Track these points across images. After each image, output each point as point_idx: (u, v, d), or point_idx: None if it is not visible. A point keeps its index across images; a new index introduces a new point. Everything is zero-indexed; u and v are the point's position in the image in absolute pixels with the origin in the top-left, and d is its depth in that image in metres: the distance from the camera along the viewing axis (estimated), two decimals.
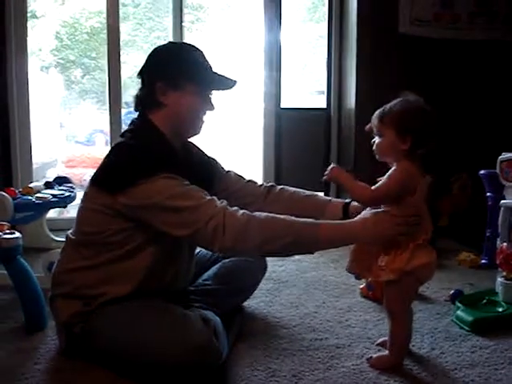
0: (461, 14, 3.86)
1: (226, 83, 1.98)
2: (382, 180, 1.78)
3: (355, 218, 1.81)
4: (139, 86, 1.94)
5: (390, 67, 3.76)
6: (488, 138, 3.71)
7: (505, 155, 2.67)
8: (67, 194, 2.79)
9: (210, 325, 1.76)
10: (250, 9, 8.05)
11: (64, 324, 1.87)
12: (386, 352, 1.93)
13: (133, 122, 1.93)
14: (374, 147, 1.86)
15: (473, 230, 3.22)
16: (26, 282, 2.18)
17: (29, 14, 3.78)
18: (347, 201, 2.09)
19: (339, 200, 2.14)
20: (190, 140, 2.08)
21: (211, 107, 1.96)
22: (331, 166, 1.87)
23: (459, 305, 2.32)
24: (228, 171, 2.22)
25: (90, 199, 1.86)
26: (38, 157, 3.99)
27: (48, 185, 2.93)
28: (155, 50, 1.96)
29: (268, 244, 1.72)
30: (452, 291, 2.53)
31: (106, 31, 3.82)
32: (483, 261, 3.04)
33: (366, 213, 1.82)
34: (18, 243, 2.16)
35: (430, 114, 1.82)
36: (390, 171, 1.80)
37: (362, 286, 2.59)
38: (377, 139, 1.86)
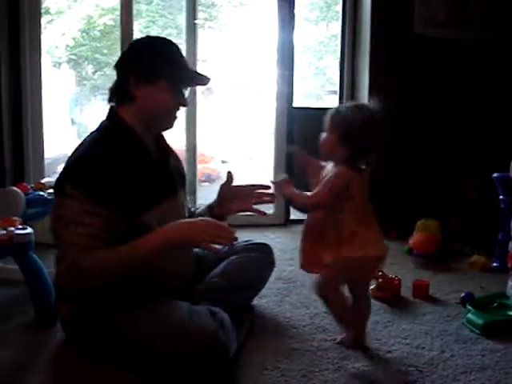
0: (475, 15, 3.84)
1: (198, 79, 1.98)
2: (319, 186, 1.84)
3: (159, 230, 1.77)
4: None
5: (404, 67, 3.75)
6: (501, 140, 3.69)
7: None
8: None
9: (217, 318, 1.76)
10: (263, 7, 8.05)
11: (68, 323, 1.88)
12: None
13: (102, 123, 1.92)
14: (320, 141, 1.89)
15: (484, 233, 3.21)
16: (38, 277, 2.20)
17: (42, 11, 3.79)
18: (210, 203, 2.22)
19: (206, 205, 2.25)
20: (166, 142, 2.07)
21: (184, 103, 1.95)
22: (280, 179, 1.96)
23: (470, 308, 2.32)
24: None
25: None
26: (49, 152, 3.99)
27: None
28: (132, 43, 1.97)
29: (107, 282, 1.73)
30: (463, 294, 2.52)
31: (118, 28, 3.83)
32: (494, 264, 3.02)
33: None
34: (30, 238, 2.17)
35: (376, 128, 1.84)
36: (326, 177, 1.85)
37: (372, 288, 2.58)
38: (324, 135, 1.88)
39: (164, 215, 1.83)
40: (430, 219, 3.26)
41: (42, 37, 3.70)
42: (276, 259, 2.44)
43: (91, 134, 1.89)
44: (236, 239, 1.76)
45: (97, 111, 8.04)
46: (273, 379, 1.79)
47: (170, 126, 1.97)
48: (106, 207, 1.71)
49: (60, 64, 8.39)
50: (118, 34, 3.86)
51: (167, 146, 2.07)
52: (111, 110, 1.91)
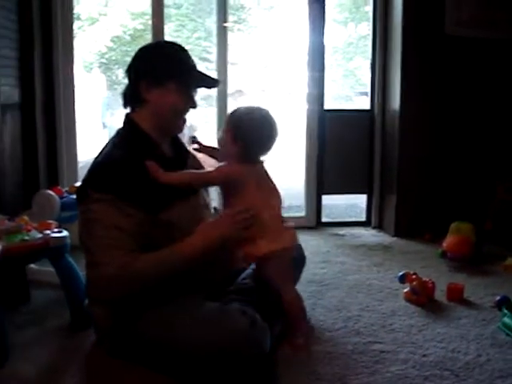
0: (508, 14, 3.78)
1: (207, 82, 2.00)
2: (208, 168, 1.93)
3: (195, 233, 1.80)
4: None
5: (435, 68, 3.71)
6: None
7: None
8: None
9: (248, 315, 1.75)
10: (293, 9, 8.04)
11: (103, 327, 1.89)
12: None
13: (118, 131, 1.95)
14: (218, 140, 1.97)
15: None
16: (73, 280, 2.22)
17: (74, 17, 3.84)
18: None
19: None
20: (184, 147, 2.09)
21: (194, 105, 1.97)
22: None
23: (506, 311, 2.28)
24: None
25: None
26: (82, 156, 4.03)
27: None
28: (141, 48, 1.99)
29: (146, 289, 1.76)
30: (498, 297, 2.48)
31: (148, 32, 3.86)
32: None
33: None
34: (65, 242, 2.20)
35: (262, 129, 1.90)
36: (217, 166, 1.92)
37: (405, 290, 2.56)
38: (221, 132, 1.95)
39: (185, 212, 1.87)
40: (464, 222, 3.23)
41: (75, 43, 3.74)
42: (307, 262, 2.44)
43: (109, 141, 1.93)
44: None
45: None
46: (308, 383, 1.79)
47: (179, 129, 2.00)
48: (133, 206, 1.73)
49: (91, 68, 8.49)
50: (147, 38, 3.90)
51: (183, 148, 2.09)
52: (126, 116, 1.95)
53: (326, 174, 4.04)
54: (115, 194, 1.72)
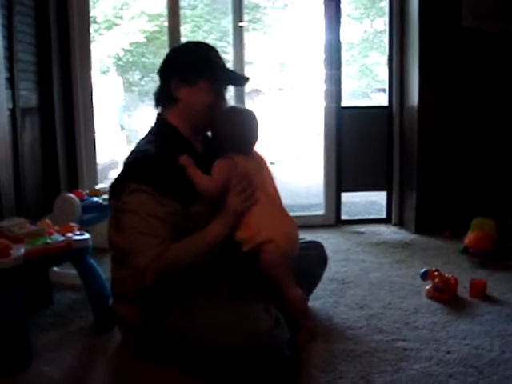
0: None
1: (237, 80, 2.06)
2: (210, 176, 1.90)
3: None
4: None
5: (453, 63, 3.68)
6: None
7: None
8: None
9: (272, 314, 1.76)
10: (307, 7, 8.04)
11: (129, 325, 1.91)
12: None
13: (151, 129, 2.00)
14: None
15: None
16: (96, 281, 2.24)
17: (90, 19, 3.87)
18: None
19: None
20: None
21: (224, 102, 2.00)
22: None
23: None
24: None
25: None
26: (101, 158, 4.06)
27: None
28: (172, 48, 2.05)
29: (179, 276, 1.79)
30: None
31: (164, 34, 3.88)
32: None
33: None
34: (87, 244, 2.21)
35: (229, 127, 1.96)
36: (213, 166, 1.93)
37: (428, 287, 2.55)
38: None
39: (209, 205, 1.90)
40: (486, 217, 3.20)
41: (91, 45, 3.77)
42: (328, 260, 2.44)
43: (141, 139, 1.97)
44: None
45: (145, 116, 8.16)
46: (331, 381, 1.78)
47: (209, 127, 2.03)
48: (170, 197, 1.78)
49: (108, 71, 8.55)
50: (163, 39, 3.93)
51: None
52: (158, 115, 2.00)
53: (345, 171, 4.03)
54: (153, 185, 1.76)
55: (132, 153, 1.90)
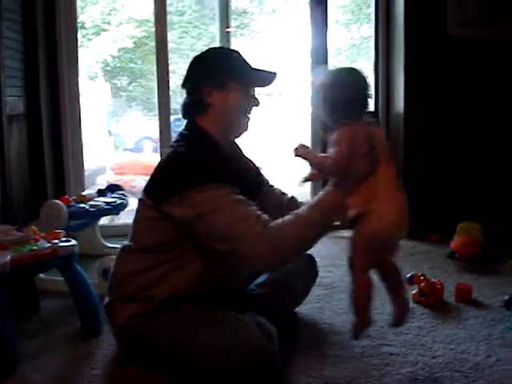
0: (510, 14, 3.78)
1: (266, 78, 2.02)
2: (331, 150, 1.73)
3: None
4: (184, 95, 2.00)
5: (439, 69, 3.71)
6: None
7: None
8: (119, 201, 2.84)
9: (265, 329, 1.76)
10: (295, 13, 8.06)
11: (122, 327, 1.90)
12: None
13: (181, 133, 1.97)
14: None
15: None
16: (82, 288, 2.23)
17: (78, 25, 3.87)
18: None
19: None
20: (240, 148, 2.14)
21: (256, 103, 2.00)
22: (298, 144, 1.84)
23: None
24: (272, 186, 2.28)
25: (142, 208, 1.93)
26: (88, 164, 4.06)
27: (101, 192, 2.99)
28: (196, 57, 2.01)
29: (302, 252, 1.81)
30: (507, 297, 2.47)
31: (151, 39, 3.88)
32: None
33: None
34: (74, 250, 2.21)
35: (352, 85, 1.76)
36: (333, 140, 1.75)
37: (414, 292, 2.56)
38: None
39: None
40: (472, 222, 3.22)
41: (79, 51, 3.77)
42: (317, 265, 2.45)
43: (176, 144, 1.92)
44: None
45: (133, 122, 8.15)
46: None
47: (245, 128, 2.01)
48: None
49: (96, 77, 8.52)
50: (151, 44, 3.92)
51: (241, 151, 2.16)
52: (189, 121, 1.97)
53: None
54: (217, 178, 1.75)
55: (168, 159, 1.86)
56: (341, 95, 1.75)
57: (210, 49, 2.08)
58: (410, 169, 3.73)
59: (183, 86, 2.00)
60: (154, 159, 4.13)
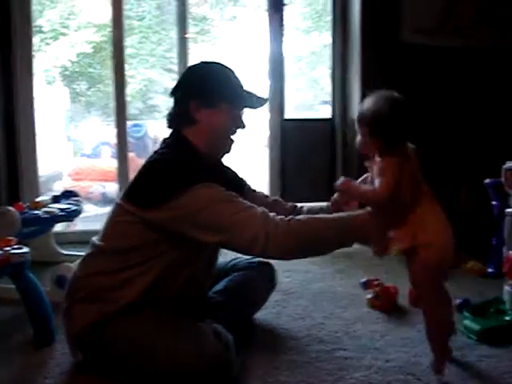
0: (464, 22, 3.87)
1: (256, 102, 2.03)
2: (377, 180, 1.78)
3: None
4: (171, 104, 2.00)
5: (394, 76, 3.76)
6: (493, 146, 3.70)
7: (509, 164, 2.67)
8: (74, 207, 2.81)
9: (222, 338, 1.77)
10: (255, 19, 8.09)
11: (78, 334, 1.87)
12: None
13: (165, 140, 1.97)
14: (357, 146, 1.91)
15: (479, 239, 3.20)
16: (34, 296, 2.19)
17: (36, 29, 3.82)
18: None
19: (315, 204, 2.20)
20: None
21: (242, 125, 2.00)
22: (340, 178, 1.89)
23: (466, 314, 2.32)
24: (254, 190, 2.27)
25: (119, 212, 1.90)
26: (45, 170, 4.00)
27: (55, 199, 2.95)
28: (189, 69, 2.03)
29: (310, 249, 1.81)
30: (459, 300, 2.51)
31: (110, 44, 3.85)
32: (490, 270, 3.03)
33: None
34: (26, 258, 2.17)
35: (400, 114, 1.82)
36: (378, 170, 1.80)
37: (369, 297, 2.59)
38: (358, 137, 1.90)
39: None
40: None
41: (37, 55, 3.72)
42: (276, 273, 2.46)
43: (160, 150, 1.92)
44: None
45: (92, 127, 8.06)
46: None
47: (227, 149, 2.02)
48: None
49: (53, 82, 8.40)
50: (110, 50, 3.89)
51: (226, 169, 2.18)
52: (177, 132, 1.95)
53: (289, 183, 4.07)
54: (205, 180, 1.76)
55: (164, 164, 1.84)
56: (398, 122, 1.80)
57: (204, 63, 2.04)
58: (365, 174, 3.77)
59: (172, 94, 1.99)
60: (112, 165, 4.09)
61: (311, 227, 1.76)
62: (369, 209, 1.83)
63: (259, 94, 2.01)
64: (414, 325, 2.36)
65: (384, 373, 1.93)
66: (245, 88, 2.00)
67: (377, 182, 1.77)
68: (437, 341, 1.90)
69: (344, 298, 2.70)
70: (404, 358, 2.04)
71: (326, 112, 4.39)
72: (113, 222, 1.93)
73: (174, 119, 1.97)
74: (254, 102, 2.02)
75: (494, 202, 2.98)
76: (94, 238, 1.97)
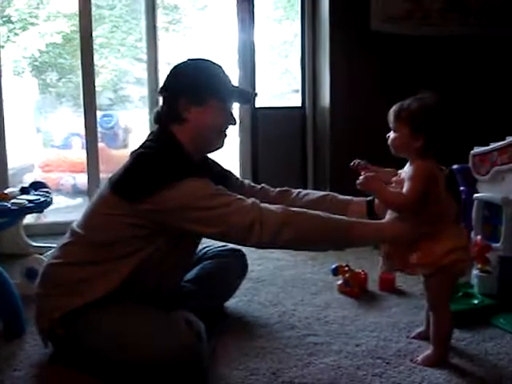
0: (432, 11, 3.90)
1: (246, 97, 2.04)
2: (406, 184, 1.79)
3: (384, 220, 1.87)
4: (160, 102, 2.00)
5: (364, 65, 3.79)
6: (460, 133, 3.74)
7: (477, 149, 2.71)
8: (43, 199, 2.77)
9: (193, 327, 1.76)
10: (226, 8, 8.06)
11: (48, 326, 1.85)
12: (429, 350, 1.94)
13: (152, 133, 1.95)
14: (389, 142, 1.90)
15: None
16: (4, 288, 2.17)
17: (4, 19, 3.76)
18: (369, 198, 2.11)
19: (361, 198, 2.15)
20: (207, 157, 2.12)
21: (233, 121, 1.99)
22: (366, 174, 1.89)
23: None
24: (242, 181, 2.27)
25: (108, 206, 1.86)
26: (15, 162, 3.96)
27: (24, 190, 2.91)
28: (176, 67, 1.99)
29: (302, 241, 1.80)
30: None
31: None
32: None
33: (393, 215, 1.85)
34: None
35: (445, 114, 1.82)
36: (407, 174, 1.82)
37: (339, 283, 2.61)
38: (392, 134, 1.89)
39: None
40: None
41: (6, 46, 3.67)
42: (247, 261, 2.48)
43: (149, 143, 1.91)
44: None
45: (62, 119, 7.96)
46: (242, 378, 1.80)
47: (220, 145, 2.00)
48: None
49: (22, 72, 8.29)
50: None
51: (212, 164, 2.16)
52: (164, 128, 1.93)
53: (261, 170, 4.09)
54: (193, 175, 1.76)
55: (154, 157, 1.83)
56: (445, 117, 1.81)
57: (191, 60, 2.01)
58: (337, 163, 3.79)
59: (160, 93, 1.97)
60: (83, 156, 4.05)
61: (308, 221, 1.78)
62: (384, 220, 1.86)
63: (248, 89, 2.00)
64: (384, 310, 2.40)
65: (354, 357, 1.96)
66: (232, 83, 1.99)
67: (406, 186, 1.78)
68: (448, 337, 1.93)
69: (315, 285, 2.73)
70: (373, 343, 2.07)
71: (296, 100, 4.40)
72: (95, 213, 1.91)
73: (162, 117, 1.95)
74: (244, 97, 2.04)
75: (461, 188, 3.01)
76: (75, 225, 1.94)
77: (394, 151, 1.88)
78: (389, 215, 1.89)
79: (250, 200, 1.79)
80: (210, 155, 2.13)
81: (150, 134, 1.96)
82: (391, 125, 1.88)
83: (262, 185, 2.28)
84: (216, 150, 2.02)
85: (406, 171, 1.86)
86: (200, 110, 1.89)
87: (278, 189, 2.23)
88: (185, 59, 2.01)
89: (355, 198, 2.16)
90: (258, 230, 1.72)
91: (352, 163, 1.96)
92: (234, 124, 2.00)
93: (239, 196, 1.80)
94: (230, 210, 1.74)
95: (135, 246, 1.83)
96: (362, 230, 1.82)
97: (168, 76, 1.97)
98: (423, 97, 1.84)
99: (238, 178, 2.27)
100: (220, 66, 1.98)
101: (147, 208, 1.75)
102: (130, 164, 1.85)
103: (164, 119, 1.94)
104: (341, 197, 2.19)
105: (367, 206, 2.11)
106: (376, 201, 2.06)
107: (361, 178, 1.86)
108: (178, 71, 1.98)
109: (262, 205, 1.78)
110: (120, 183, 1.83)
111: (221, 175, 2.15)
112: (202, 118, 1.89)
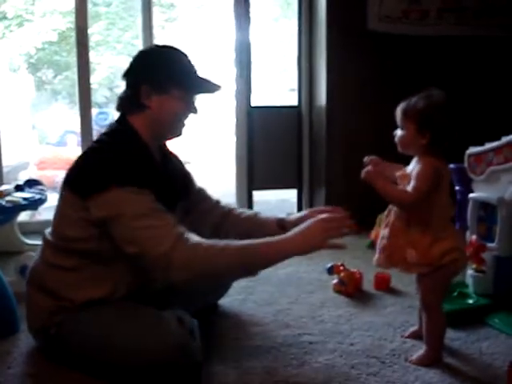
0: (429, 10, 3.91)
1: (210, 88, 1.99)
2: (412, 182, 1.80)
3: (288, 233, 1.82)
4: (123, 87, 1.93)
5: (360, 64, 3.79)
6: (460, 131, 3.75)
7: (472, 149, 2.70)
8: (38, 196, 2.78)
9: (186, 324, 1.75)
10: (223, 7, 8.06)
11: (41, 323, 1.85)
12: (423, 349, 1.94)
13: (111, 125, 1.92)
14: (396, 139, 1.90)
15: None
16: None
17: (0, 15, 3.75)
18: (280, 217, 2.14)
19: (273, 217, 2.16)
20: (167, 147, 2.09)
21: (194, 111, 1.96)
22: (369, 167, 1.90)
23: None
24: (200, 189, 2.24)
25: (64, 202, 1.85)
26: (10, 159, 3.94)
27: (18, 188, 2.91)
28: (141, 52, 1.97)
29: (213, 276, 1.78)
30: None
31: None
32: None
33: (299, 226, 1.82)
34: None
35: (452, 112, 1.84)
36: (414, 171, 1.82)
37: (334, 282, 2.61)
38: (399, 131, 1.89)
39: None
40: None
41: (1, 42, 3.66)
42: None
43: (103, 136, 1.88)
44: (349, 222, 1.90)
45: (57, 116, 7.96)
46: (238, 378, 1.80)
47: (179, 133, 1.98)
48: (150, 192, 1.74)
49: (18, 69, 8.28)
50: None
51: (168, 151, 2.10)
52: (122, 117, 1.91)
53: (257, 169, 4.08)
54: (139, 182, 1.72)
55: (92, 153, 1.81)
56: (451, 115, 1.83)
57: (158, 46, 1.99)
58: (332, 162, 3.80)
59: (124, 77, 1.93)
60: (78, 154, 4.03)
61: (216, 257, 1.71)
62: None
63: (213, 81, 1.98)
64: (379, 309, 2.39)
65: (348, 356, 1.95)
66: (198, 73, 1.95)
67: (411, 183, 1.79)
68: (441, 337, 1.94)
69: (310, 284, 2.73)
70: (368, 342, 2.07)
71: (293, 99, 4.40)
72: (59, 213, 1.89)
73: (124, 103, 1.92)
74: (208, 88, 1.99)
75: (457, 187, 3.02)
76: (47, 232, 1.94)
77: (400, 149, 1.90)
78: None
79: (177, 230, 1.72)
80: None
81: (108, 127, 1.93)
82: (398, 122, 1.89)
83: (217, 199, 2.28)
84: (174, 137, 1.99)
85: (410, 168, 1.87)
86: (161, 98, 1.86)
87: (226, 205, 2.26)
88: (152, 45, 1.98)
89: (270, 217, 2.19)
90: (163, 265, 1.67)
91: (365, 159, 1.95)
92: (196, 113, 1.97)
93: (169, 221, 1.73)
94: (150, 234, 1.69)
95: (103, 247, 1.80)
96: (269, 249, 1.78)
97: (132, 61, 1.94)
98: (430, 94, 1.85)
99: (196, 184, 2.23)
100: (185, 55, 1.95)
101: (90, 207, 1.73)
102: (81, 157, 1.85)
103: (125, 106, 1.91)
104: (261, 216, 2.20)
105: (277, 224, 2.12)
106: (287, 218, 2.11)
107: (363, 171, 1.87)
108: (142, 57, 1.95)
109: (182, 241, 1.70)
110: (70, 178, 1.82)
111: (183, 173, 2.14)
112: (162, 106, 1.86)
